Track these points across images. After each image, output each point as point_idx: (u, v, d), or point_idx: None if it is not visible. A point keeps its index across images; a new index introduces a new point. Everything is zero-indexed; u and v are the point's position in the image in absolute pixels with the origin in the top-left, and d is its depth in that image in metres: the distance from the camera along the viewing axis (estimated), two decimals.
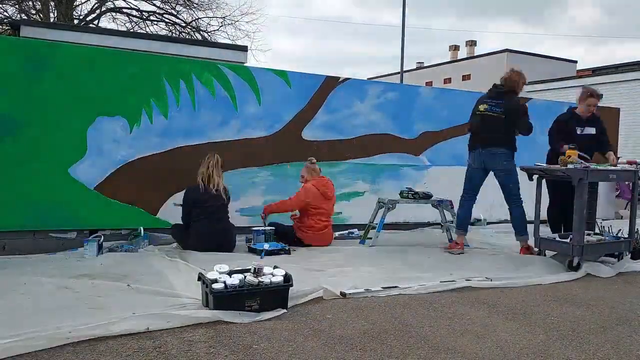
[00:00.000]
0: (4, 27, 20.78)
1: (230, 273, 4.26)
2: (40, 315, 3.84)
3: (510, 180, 6.63)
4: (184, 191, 6.52)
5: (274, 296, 4.17)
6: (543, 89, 29.24)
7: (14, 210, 6.17)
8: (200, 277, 4.20)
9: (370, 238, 7.17)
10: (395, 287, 4.90)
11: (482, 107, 6.79)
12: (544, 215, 6.84)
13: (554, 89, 28.81)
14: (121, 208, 6.69)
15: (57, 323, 3.64)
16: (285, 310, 4.16)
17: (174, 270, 5.30)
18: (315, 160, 7.32)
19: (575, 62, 47.81)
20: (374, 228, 7.23)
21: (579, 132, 7.04)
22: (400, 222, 8.47)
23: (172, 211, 6.89)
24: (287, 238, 6.85)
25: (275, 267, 4.40)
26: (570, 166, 5.99)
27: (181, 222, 6.56)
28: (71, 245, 6.38)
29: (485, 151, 6.70)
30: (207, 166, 6.46)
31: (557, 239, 6.24)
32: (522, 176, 6.62)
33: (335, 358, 3.32)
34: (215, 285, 4.00)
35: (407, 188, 7.42)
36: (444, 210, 7.49)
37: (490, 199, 9.12)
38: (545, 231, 6.97)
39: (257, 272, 4.25)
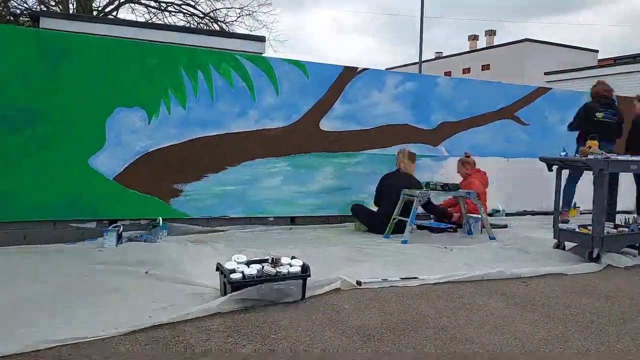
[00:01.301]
0: (23, 18, 20.95)
1: (248, 263, 4.28)
2: (59, 305, 3.88)
3: None
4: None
5: None
6: (563, 79, 28.91)
7: (34, 200, 6.23)
8: (219, 267, 4.23)
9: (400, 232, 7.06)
10: (415, 277, 4.89)
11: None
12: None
13: (574, 78, 28.47)
14: (140, 198, 6.74)
15: (77, 312, 3.69)
16: (303, 300, 4.17)
17: (193, 260, 5.34)
18: (470, 154, 8.29)
19: (597, 51, 47.23)
20: (399, 222, 7.13)
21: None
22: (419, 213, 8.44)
23: (188, 202, 6.95)
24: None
25: (293, 258, 4.41)
26: (590, 157, 5.93)
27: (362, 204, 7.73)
28: (91, 235, 6.44)
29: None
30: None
31: (577, 230, 6.18)
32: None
33: (352, 348, 3.32)
34: (233, 275, 4.02)
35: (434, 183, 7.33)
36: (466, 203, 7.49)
37: (509, 190, 9.11)
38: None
39: (275, 262, 4.26)
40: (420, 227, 7.64)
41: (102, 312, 3.75)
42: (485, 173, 8.14)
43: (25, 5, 22.47)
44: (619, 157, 6.01)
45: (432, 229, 7.59)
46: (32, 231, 6.22)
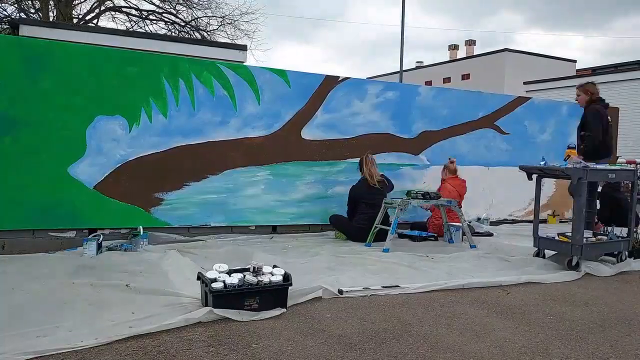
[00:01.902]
0: (3, 26, 20.76)
1: (229, 272, 4.26)
2: (39, 315, 3.84)
3: None
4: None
5: (274, 295, 4.18)
6: (543, 89, 29.20)
7: (14, 209, 6.16)
8: (200, 277, 4.21)
9: (381, 240, 7.10)
10: (396, 286, 4.91)
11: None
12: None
13: (553, 88, 28.76)
14: (120, 207, 6.69)
15: (57, 323, 3.65)
16: (284, 310, 4.16)
17: (174, 270, 5.30)
18: (454, 160, 8.36)
19: (575, 61, 47.82)
20: (381, 230, 7.17)
21: None
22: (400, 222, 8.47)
23: (170, 211, 6.92)
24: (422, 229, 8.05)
25: (274, 267, 4.40)
26: (569, 165, 6.00)
27: (340, 215, 7.73)
28: (70, 244, 6.38)
29: None
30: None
31: (556, 238, 6.24)
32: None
33: (334, 357, 3.32)
34: (214, 285, 4.01)
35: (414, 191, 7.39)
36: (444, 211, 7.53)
37: (489, 199, 9.18)
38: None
39: (257, 271, 4.25)
40: (401, 236, 7.68)
41: (82, 322, 3.72)
42: (463, 181, 8.19)
43: (4, 13, 22.28)
44: (597, 166, 6.08)
45: (413, 238, 7.62)
46: (11, 240, 6.16)
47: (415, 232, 7.85)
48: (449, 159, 8.34)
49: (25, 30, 11.36)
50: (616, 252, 6.22)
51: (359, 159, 7.81)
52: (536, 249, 6.35)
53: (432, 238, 7.72)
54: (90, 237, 6.24)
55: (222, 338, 3.57)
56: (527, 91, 28.41)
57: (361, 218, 7.39)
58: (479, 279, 5.26)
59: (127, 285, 4.65)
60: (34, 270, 5.23)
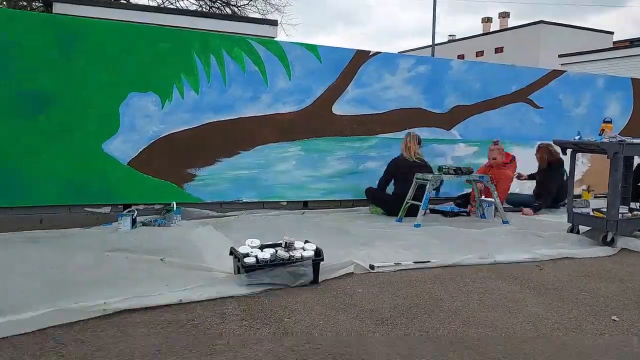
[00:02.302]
0: (37, 4, 20.98)
1: (261, 247, 4.30)
2: (75, 288, 3.93)
3: None
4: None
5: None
6: (578, 62, 28.59)
7: (50, 185, 6.28)
8: (232, 252, 4.25)
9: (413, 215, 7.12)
10: (427, 261, 4.90)
11: None
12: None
13: (589, 61, 28.14)
14: (154, 183, 6.78)
15: (92, 295, 3.73)
16: (316, 284, 4.19)
17: (207, 245, 5.36)
18: (498, 140, 8.20)
19: (612, 33, 46.67)
20: (412, 206, 7.15)
21: None
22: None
23: (202, 187, 6.99)
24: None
25: (306, 242, 4.43)
26: (604, 139, 5.88)
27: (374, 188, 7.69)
28: (106, 219, 6.51)
29: None
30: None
31: (591, 213, 6.15)
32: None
33: (366, 332, 3.34)
34: (247, 260, 4.05)
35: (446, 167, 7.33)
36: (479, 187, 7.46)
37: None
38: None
39: (289, 246, 4.28)
40: (433, 211, 7.64)
41: (117, 293, 3.79)
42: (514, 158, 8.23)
43: None
44: (634, 141, 5.96)
45: (445, 213, 7.59)
46: (48, 216, 6.29)
47: (447, 208, 7.81)
48: (494, 141, 8.15)
49: (58, 8, 11.46)
50: None
51: (391, 134, 7.78)
52: (570, 224, 6.27)
53: (464, 214, 7.67)
54: (124, 212, 6.35)
55: (255, 312, 3.61)
56: (562, 64, 27.86)
57: (398, 192, 7.39)
58: (512, 255, 5.22)
59: (161, 260, 4.73)
60: (70, 244, 5.34)
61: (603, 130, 6.18)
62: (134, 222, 6.19)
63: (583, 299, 4.09)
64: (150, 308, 3.59)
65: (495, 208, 7.29)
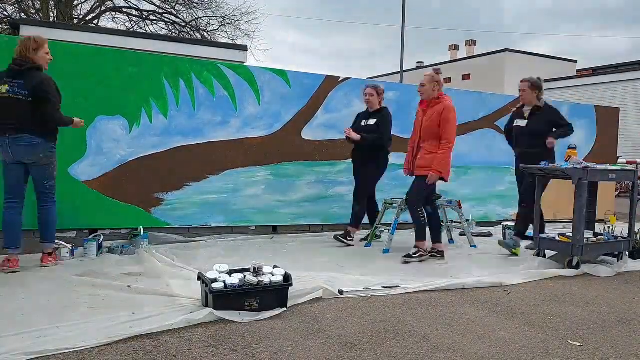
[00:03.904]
0: (3, 26, 20.78)
1: (230, 272, 4.26)
2: (39, 315, 3.84)
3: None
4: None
5: (274, 296, 4.18)
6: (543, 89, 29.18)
7: None
8: (200, 277, 4.21)
9: (378, 239, 7.24)
10: (396, 286, 4.90)
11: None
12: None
13: (554, 88, 28.76)
14: (121, 207, 6.70)
15: (58, 323, 3.65)
16: (285, 310, 4.16)
17: (174, 270, 5.30)
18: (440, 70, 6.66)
19: (575, 61, 47.77)
20: (382, 231, 7.23)
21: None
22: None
23: (170, 211, 6.92)
24: None
25: (275, 267, 4.40)
26: (569, 166, 6.00)
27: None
28: (71, 244, 6.37)
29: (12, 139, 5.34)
30: None
31: (557, 238, 6.24)
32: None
33: (334, 357, 3.32)
34: (215, 285, 4.01)
35: None
36: (446, 210, 7.51)
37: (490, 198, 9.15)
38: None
39: (257, 271, 4.25)
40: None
41: (82, 323, 3.71)
42: None
43: (5, 13, 22.29)
44: (597, 167, 6.09)
45: None
46: None
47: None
48: (434, 69, 6.69)
49: (26, 31, 11.38)
50: (616, 253, 6.23)
51: None
52: (536, 249, 6.36)
53: None
54: (90, 237, 6.24)
55: (223, 338, 3.57)
56: None
57: None
58: (480, 279, 5.26)
59: (128, 286, 4.65)
60: (34, 271, 5.23)
61: (569, 156, 6.31)
62: (100, 247, 6.09)
63: (550, 323, 4.13)
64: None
65: (463, 233, 7.36)
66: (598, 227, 6.85)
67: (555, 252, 6.22)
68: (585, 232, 5.94)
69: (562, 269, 5.79)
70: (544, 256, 6.27)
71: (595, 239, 6.15)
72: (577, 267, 5.75)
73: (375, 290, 4.79)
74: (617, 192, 12.45)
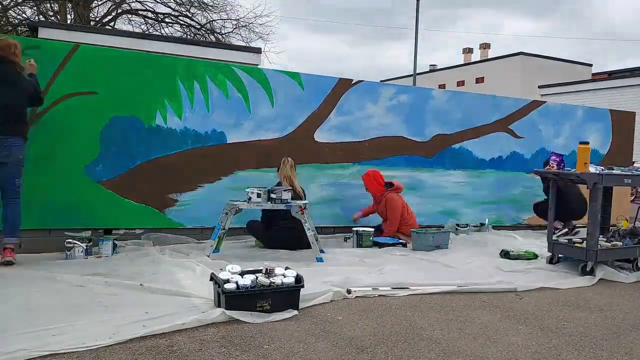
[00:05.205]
0: (22, 28, 20.97)
1: (242, 273, 4.28)
2: (55, 314, 3.88)
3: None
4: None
5: (286, 297, 4.19)
6: (557, 92, 29.03)
7: (30, 209, 6.20)
8: (213, 277, 4.22)
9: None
10: (406, 288, 4.90)
11: None
12: None
13: (568, 92, 28.60)
14: (135, 207, 6.74)
15: (72, 321, 3.69)
16: (296, 311, 4.17)
17: (187, 270, 5.32)
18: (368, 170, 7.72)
19: (591, 65, 47.52)
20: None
21: None
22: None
23: (183, 212, 6.96)
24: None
25: (287, 268, 4.42)
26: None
27: (257, 220, 6.99)
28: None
29: None
30: (287, 170, 6.96)
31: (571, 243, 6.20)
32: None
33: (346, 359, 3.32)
34: (227, 286, 4.02)
35: None
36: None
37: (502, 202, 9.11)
38: None
39: (269, 272, 4.26)
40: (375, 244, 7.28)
41: (96, 322, 3.74)
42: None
43: (23, 15, 22.50)
44: (613, 172, 6.04)
45: (380, 245, 7.20)
46: (27, 240, 6.18)
47: (383, 239, 7.34)
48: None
49: (44, 33, 11.48)
50: (632, 259, 6.17)
51: (373, 161, 7.85)
52: (550, 254, 6.32)
53: (401, 245, 7.28)
54: (105, 236, 6.29)
55: (234, 339, 3.59)
56: (541, 95, 28.27)
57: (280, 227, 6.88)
58: (493, 283, 5.24)
59: (141, 285, 4.68)
60: (50, 269, 5.27)
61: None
62: (114, 246, 6.13)
63: (563, 328, 4.11)
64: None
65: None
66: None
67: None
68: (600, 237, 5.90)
69: (576, 275, 5.75)
70: (558, 261, 6.23)
71: (609, 244, 6.10)
72: (591, 272, 5.71)
73: (385, 291, 4.80)
74: (632, 197, 12.34)
